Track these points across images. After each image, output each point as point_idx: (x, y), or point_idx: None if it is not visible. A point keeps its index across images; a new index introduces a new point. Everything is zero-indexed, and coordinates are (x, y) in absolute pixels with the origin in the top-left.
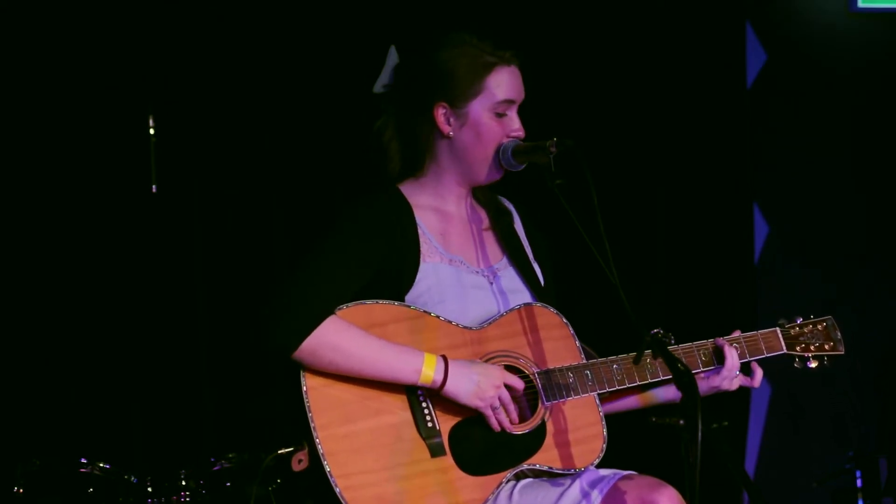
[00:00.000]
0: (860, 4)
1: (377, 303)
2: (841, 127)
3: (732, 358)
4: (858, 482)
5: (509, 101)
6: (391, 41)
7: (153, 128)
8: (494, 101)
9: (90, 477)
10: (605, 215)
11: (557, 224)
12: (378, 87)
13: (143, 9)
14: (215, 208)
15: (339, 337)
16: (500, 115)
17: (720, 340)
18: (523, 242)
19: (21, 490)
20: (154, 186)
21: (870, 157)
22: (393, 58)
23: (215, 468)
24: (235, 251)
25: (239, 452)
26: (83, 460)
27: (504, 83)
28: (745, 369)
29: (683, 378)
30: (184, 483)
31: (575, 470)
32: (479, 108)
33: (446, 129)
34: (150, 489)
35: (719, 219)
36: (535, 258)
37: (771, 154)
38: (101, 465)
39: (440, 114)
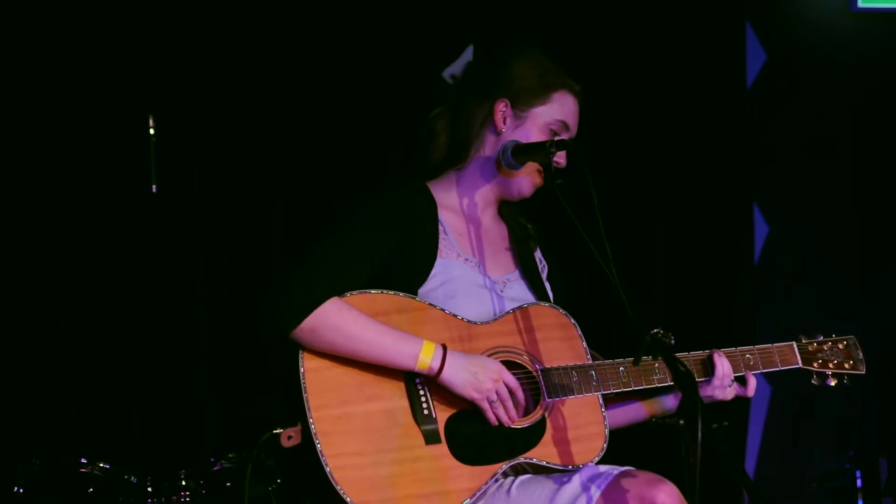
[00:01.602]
0: (860, 4)
1: (382, 292)
2: (841, 127)
3: (723, 367)
4: (858, 482)
5: (565, 125)
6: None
7: (153, 128)
8: (554, 117)
9: (90, 477)
10: (605, 215)
11: (558, 224)
12: (447, 74)
13: (143, 9)
14: (215, 208)
15: (340, 318)
16: (552, 134)
17: (714, 351)
18: (538, 262)
19: (21, 490)
20: (154, 186)
21: (870, 157)
22: (468, 54)
23: (215, 468)
24: (235, 251)
25: (239, 452)
26: (83, 460)
27: (568, 106)
28: (741, 379)
29: (684, 379)
30: (184, 483)
31: (573, 466)
32: (538, 117)
33: (500, 125)
34: (150, 489)
35: (719, 219)
36: (547, 279)
37: (771, 154)
38: (101, 465)
39: (499, 109)
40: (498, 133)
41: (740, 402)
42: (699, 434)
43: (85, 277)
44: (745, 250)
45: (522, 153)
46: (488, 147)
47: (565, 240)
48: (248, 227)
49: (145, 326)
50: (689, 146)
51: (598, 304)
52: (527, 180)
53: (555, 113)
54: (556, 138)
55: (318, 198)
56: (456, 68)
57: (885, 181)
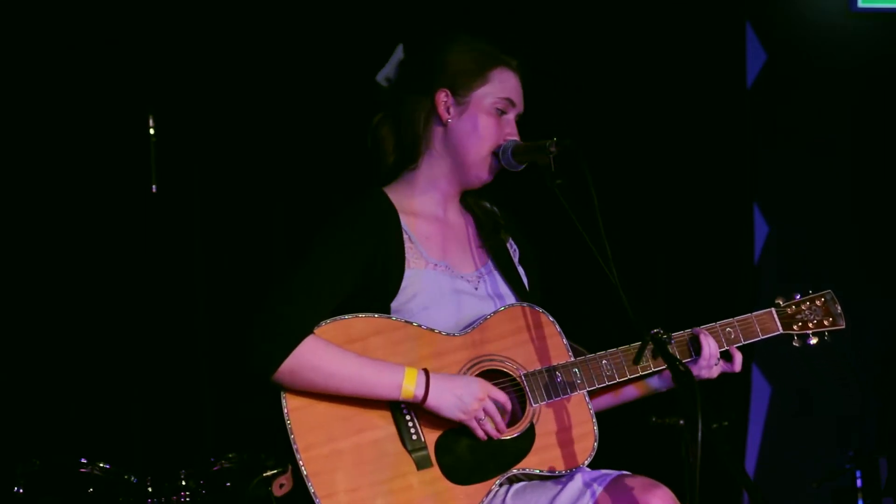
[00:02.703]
0: (860, 4)
1: (356, 316)
2: (841, 127)
3: (709, 347)
4: (858, 482)
5: (510, 102)
6: (392, 41)
7: (153, 128)
8: (497, 96)
9: (90, 477)
10: (605, 215)
11: (556, 224)
12: (380, 77)
13: (143, 9)
14: (215, 208)
15: (317, 357)
16: (500, 113)
17: (697, 330)
18: (509, 247)
19: (21, 490)
20: (154, 186)
21: (870, 156)
22: (399, 53)
23: (215, 468)
24: (235, 251)
25: (239, 452)
26: (83, 460)
27: (508, 82)
28: (726, 356)
29: (683, 378)
30: (184, 483)
31: (567, 470)
32: (480, 98)
33: (445, 116)
34: (150, 489)
35: (719, 219)
36: (521, 262)
37: (771, 154)
38: (101, 465)
39: (441, 100)
40: (444, 124)
41: (740, 403)
42: (699, 434)
43: (85, 277)
44: (745, 250)
45: (523, 154)
46: (437, 141)
47: (564, 239)
48: (248, 228)
49: (145, 326)
50: (688, 146)
51: (597, 303)
52: (483, 165)
53: (497, 91)
54: (503, 116)
55: (318, 198)
56: (389, 70)
57: (885, 181)
